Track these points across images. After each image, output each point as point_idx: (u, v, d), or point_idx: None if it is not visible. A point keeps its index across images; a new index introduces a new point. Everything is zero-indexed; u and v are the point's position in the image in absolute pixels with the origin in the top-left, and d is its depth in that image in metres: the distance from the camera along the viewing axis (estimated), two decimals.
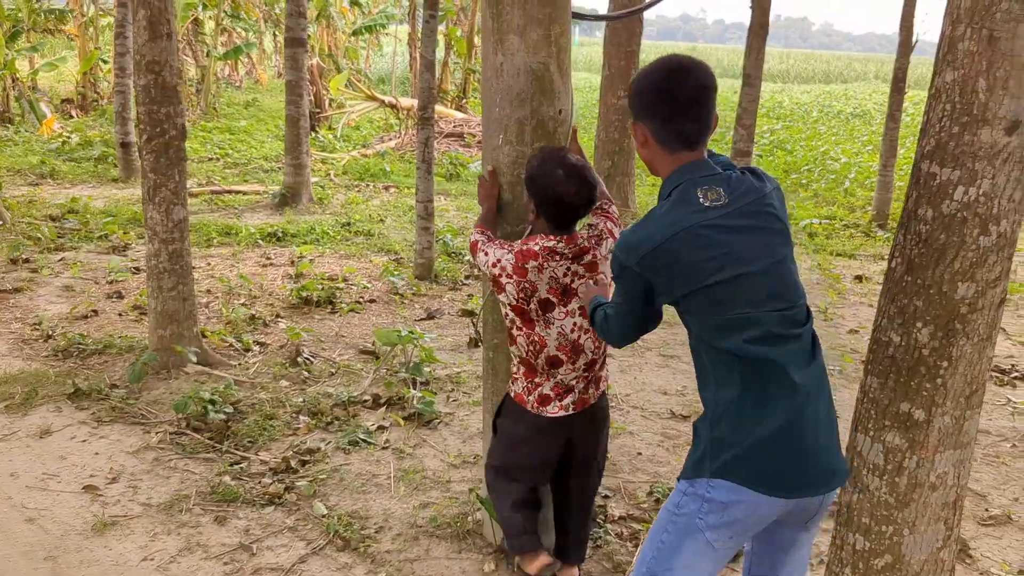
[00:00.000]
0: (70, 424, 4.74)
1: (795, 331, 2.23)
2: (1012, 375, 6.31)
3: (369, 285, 7.59)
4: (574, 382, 3.12)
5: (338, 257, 8.57)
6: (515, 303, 3.03)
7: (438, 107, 16.58)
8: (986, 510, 4.29)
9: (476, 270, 8.29)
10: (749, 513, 2.20)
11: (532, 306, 3.02)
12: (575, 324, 3.06)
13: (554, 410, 3.12)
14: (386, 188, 12.58)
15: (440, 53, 21.49)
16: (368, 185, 12.69)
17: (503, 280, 3.03)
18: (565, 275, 3.01)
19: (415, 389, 5.28)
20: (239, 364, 5.67)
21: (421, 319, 6.90)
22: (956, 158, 2.33)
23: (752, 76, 8.01)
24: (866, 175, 14.62)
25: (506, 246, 3.09)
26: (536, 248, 3.00)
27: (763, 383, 2.18)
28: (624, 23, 10.28)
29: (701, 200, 2.19)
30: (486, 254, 3.11)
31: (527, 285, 3.00)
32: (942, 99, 2.37)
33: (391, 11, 23.67)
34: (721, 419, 2.22)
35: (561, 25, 3.46)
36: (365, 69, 25.94)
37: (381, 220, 10.33)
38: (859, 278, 8.78)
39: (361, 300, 7.19)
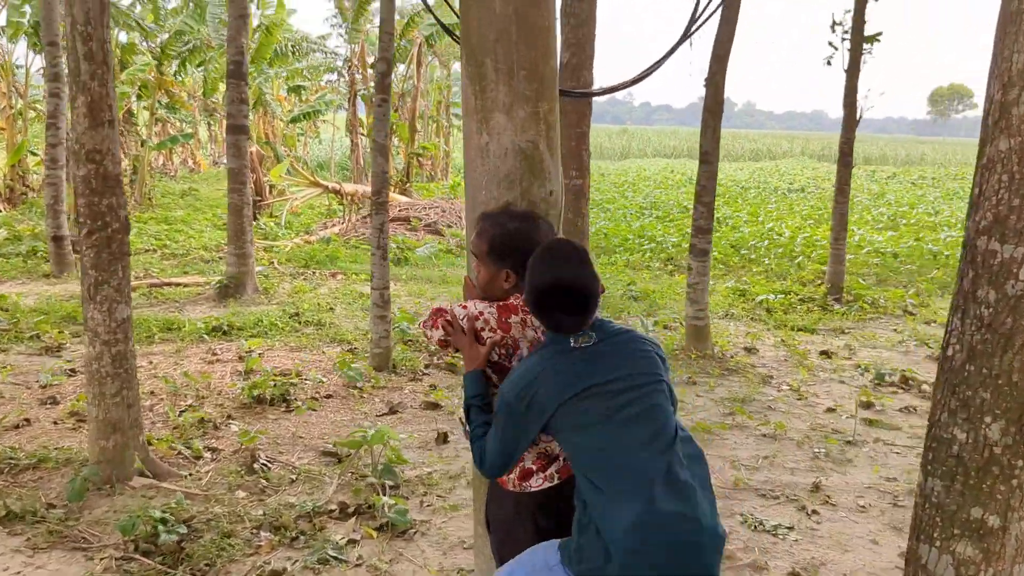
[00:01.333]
0: (1, 553, 4.21)
1: None
2: None
3: (324, 379, 7.18)
4: (558, 449, 2.77)
5: (288, 350, 8.14)
6: (496, 360, 2.78)
7: None
8: None
9: (436, 358, 7.94)
10: None
11: (513, 365, 2.75)
12: None
13: (538, 483, 2.76)
14: (333, 275, 12.21)
15: None
16: (314, 272, 12.31)
17: (485, 334, 2.77)
18: (535, 329, 2.80)
19: (385, 495, 4.87)
20: (190, 474, 5.20)
21: (383, 414, 6.50)
22: (1019, 233, 2.11)
23: (709, 154, 7.92)
24: (812, 248, 14.71)
25: (485, 301, 2.84)
26: (518, 303, 2.78)
27: None
28: (573, 105, 10.21)
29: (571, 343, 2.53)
30: (465, 307, 2.82)
31: (509, 341, 2.77)
32: (997, 169, 2.16)
33: (329, 98, 23.66)
34: None
35: (549, 102, 3.24)
36: (303, 156, 25.72)
37: (331, 309, 9.94)
38: (825, 353, 8.64)
39: (317, 396, 6.77)
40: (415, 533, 4.55)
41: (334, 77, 25.69)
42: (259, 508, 4.74)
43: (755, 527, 4.84)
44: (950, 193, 26.89)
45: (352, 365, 7.20)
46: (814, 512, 5.08)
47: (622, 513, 2.27)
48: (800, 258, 14.00)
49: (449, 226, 15.56)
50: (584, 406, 2.44)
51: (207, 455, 5.52)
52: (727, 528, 4.84)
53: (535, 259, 2.58)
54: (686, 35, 4.46)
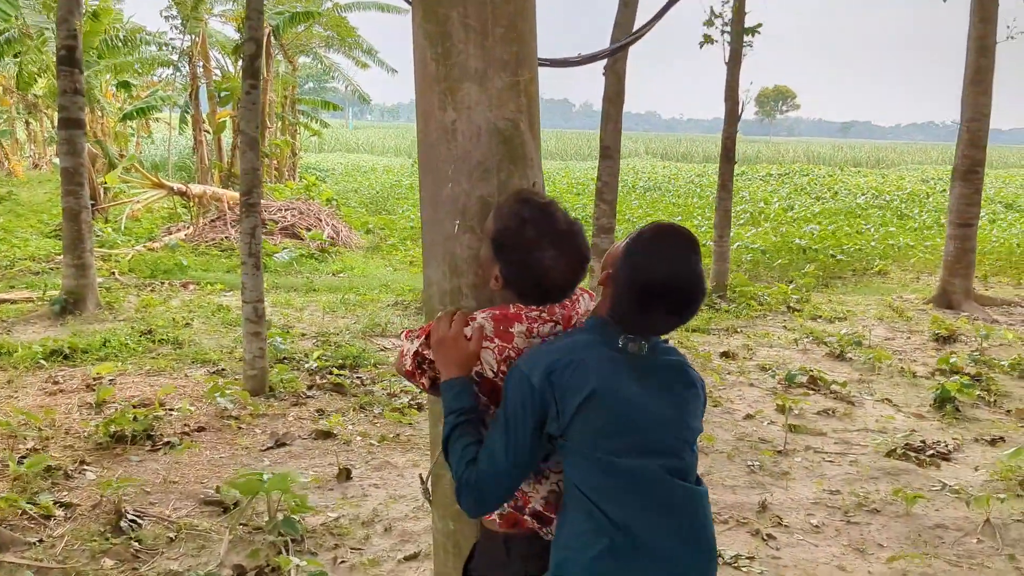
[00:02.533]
0: None
1: None
2: (928, 453, 5.90)
3: (193, 408, 6.20)
4: None
5: (145, 375, 7.07)
6: (493, 375, 2.16)
7: (230, 193, 15.18)
8: None
9: (319, 377, 7.07)
10: None
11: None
12: None
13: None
14: (184, 285, 11.03)
15: (227, 136, 20.03)
16: (163, 283, 11.08)
17: (482, 345, 2.16)
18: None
19: (290, 553, 4.05)
20: (40, 540, 4.19)
21: (268, 448, 5.63)
22: None
23: (611, 148, 7.41)
24: None
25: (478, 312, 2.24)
26: (518, 312, 2.20)
27: None
28: None
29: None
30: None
31: (512, 353, 2.15)
32: None
33: (163, 94, 21.95)
34: None
35: (530, 70, 2.57)
36: (137, 155, 23.83)
37: (187, 324, 8.85)
38: (726, 355, 8.32)
39: (187, 430, 5.81)
40: None
41: (169, 71, 23.94)
42: None
43: None
44: (798, 188, 27.81)
45: (225, 391, 6.26)
46: (769, 536, 4.65)
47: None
48: None
49: (308, 229, 14.54)
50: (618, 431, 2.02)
51: (59, 513, 4.52)
52: None
53: (643, 244, 2.10)
54: (663, 11, 3.89)
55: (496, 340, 2.15)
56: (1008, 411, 6.88)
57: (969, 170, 10.90)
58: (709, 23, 10.75)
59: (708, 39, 10.77)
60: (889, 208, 21.39)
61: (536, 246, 2.14)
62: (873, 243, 15.50)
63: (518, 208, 2.20)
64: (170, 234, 14.37)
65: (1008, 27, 11.34)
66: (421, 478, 2.67)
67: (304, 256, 13.24)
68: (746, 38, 10.32)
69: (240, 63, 19.90)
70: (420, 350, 2.23)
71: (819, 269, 13.08)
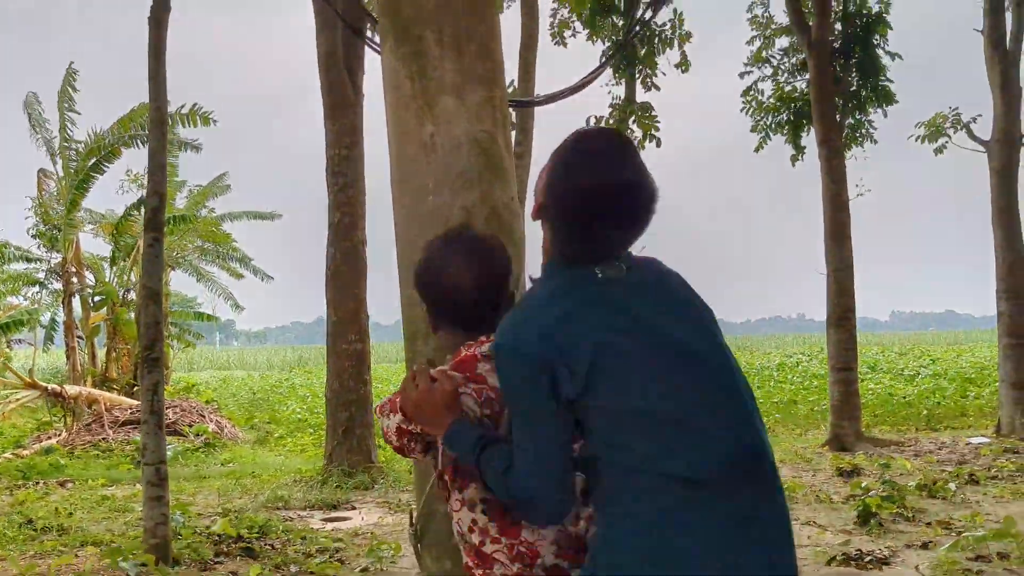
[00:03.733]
0: None
1: None
2: (867, 559, 5.87)
3: None
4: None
5: (30, 558, 6.37)
6: (477, 420, 1.98)
7: (107, 394, 14.47)
8: None
9: (226, 546, 6.52)
10: None
11: (504, 418, 1.97)
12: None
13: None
14: (62, 483, 10.20)
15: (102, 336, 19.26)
16: (37, 483, 10.22)
17: (458, 390, 1.99)
18: None
19: None
20: None
21: None
22: None
23: None
24: None
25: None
26: (472, 353, 2.06)
27: None
28: (350, 265, 9.63)
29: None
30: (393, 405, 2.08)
31: (489, 393, 1.99)
32: None
33: (29, 308, 21.01)
34: None
35: (502, 89, 2.65)
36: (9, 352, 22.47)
37: (70, 514, 8.12)
38: None
39: None
40: None
41: (34, 289, 23.12)
42: None
43: None
44: None
45: (128, 556, 5.68)
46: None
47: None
48: None
49: (190, 425, 13.89)
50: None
51: None
52: None
53: (565, 154, 1.88)
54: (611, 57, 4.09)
55: (470, 384, 1.99)
56: (928, 523, 6.96)
57: (842, 316, 11.55)
58: None
59: None
60: (763, 376, 22.26)
61: (441, 269, 2.12)
62: (759, 400, 15.95)
63: (425, 249, 2.21)
64: (40, 441, 13.42)
65: (856, 186, 12.43)
66: (411, 518, 2.47)
67: (190, 451, 12.56)
68: None
69: (112, 270, 19.54)
70: (400, 425, 2.06)
71: None
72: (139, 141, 17.25)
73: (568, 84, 6.97)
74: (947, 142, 13.06)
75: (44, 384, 14.08)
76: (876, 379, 20.45)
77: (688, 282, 1.99)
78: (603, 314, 1.82)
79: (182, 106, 17.05)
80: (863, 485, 8.07)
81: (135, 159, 25.81)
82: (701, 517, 1.74)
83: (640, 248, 1.93)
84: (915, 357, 27.66)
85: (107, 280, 18.82)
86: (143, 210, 7.17)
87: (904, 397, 16.06)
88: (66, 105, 17.96)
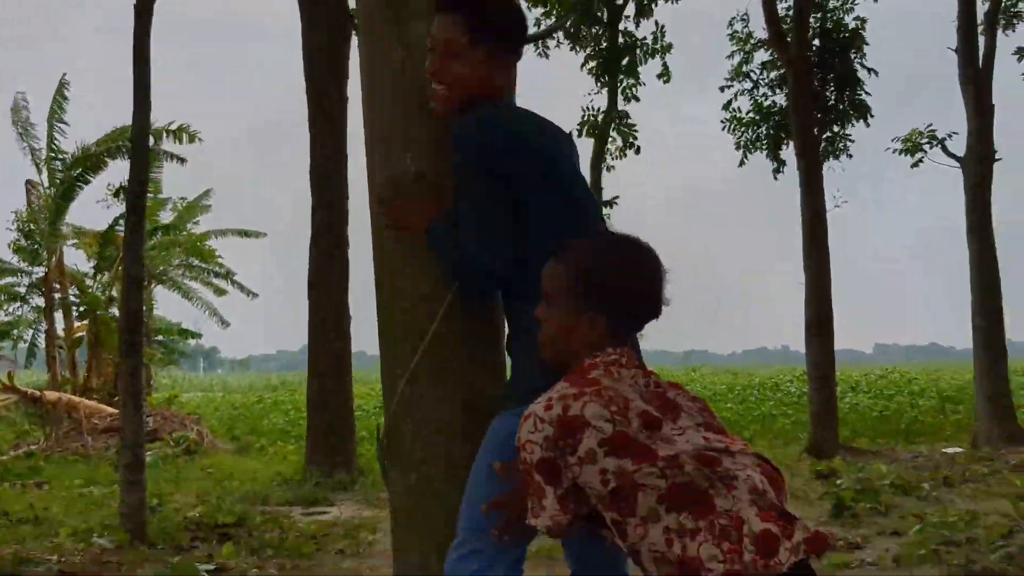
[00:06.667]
0: None
1: None
2: (838, 544, 5.93)
3: (65, 560, 5.59)
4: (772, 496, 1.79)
5: (5, 544, 6.34)
6: (612, 429, 1.76)
7: (87, 401, 14.42)
8: None
9: (203, 533, 6.53)
10: None
11: (635, 424, 1.78)
12: (709, 437, 1.84)
13: (784, 556, 1.67)
14: (38, 485, 10.16)
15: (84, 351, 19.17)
16: (15, 484, 10.18)
17: (573, 409, 1.79)
18: (647, 385, 1.90)
19: None
20: None
21: None
22: None
23: None
24: None
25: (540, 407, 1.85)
26: (594, 361, 1.91)
27: None
28: (331, 268, 9.69)
29: None
30: (527, 417, 1.84)
31: (609, 392, 1.81)
32: None
33: (8, 320, 20.85)
34: None
35: None
36: None
37: (45, 509, 8.09)
38: None
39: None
40: None
41: (16, 305, 22.98)
42: None
43: None
44: None
45: (102, 531, 5.70)
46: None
47: None
48: None
49: (171, 432, 13.85)
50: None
51: None
52: None
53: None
54: None
55: (585, 389, 1.81)
56: (901, 516, 7.04)
57: (821, 324, 11.67)
58: None
59: None
60: (745, 394, 22.43)
61: (631, 263, 2.00)
62: (739, 415, 16.10)
63: (594, 243, 2.09)
64: (18, 448, 13.34)
65: (834, 196, 12.61)
66: (377, 433, 2.53)
67: (170, 457, 12.51)
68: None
69: (96, 280, 19.48)
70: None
71: None
72: (125, 152, 17.31)
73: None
74: (923, 156, 13.27)
75: (23, 389, 14.03)
76: (856, 398, 20.61)
77: None
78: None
79: (170, 123, 17.22)
80: (839, 483, 8.15)
81: (121, 173, 25.80)
82: None
83: None
84: (895, 380, 27.92)
85: (90, 292, 18.78)
86: (126, 193, 7.21)
87: (882, 412, 16.20)
88: (56, 115, 18.02)
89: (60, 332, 18.40)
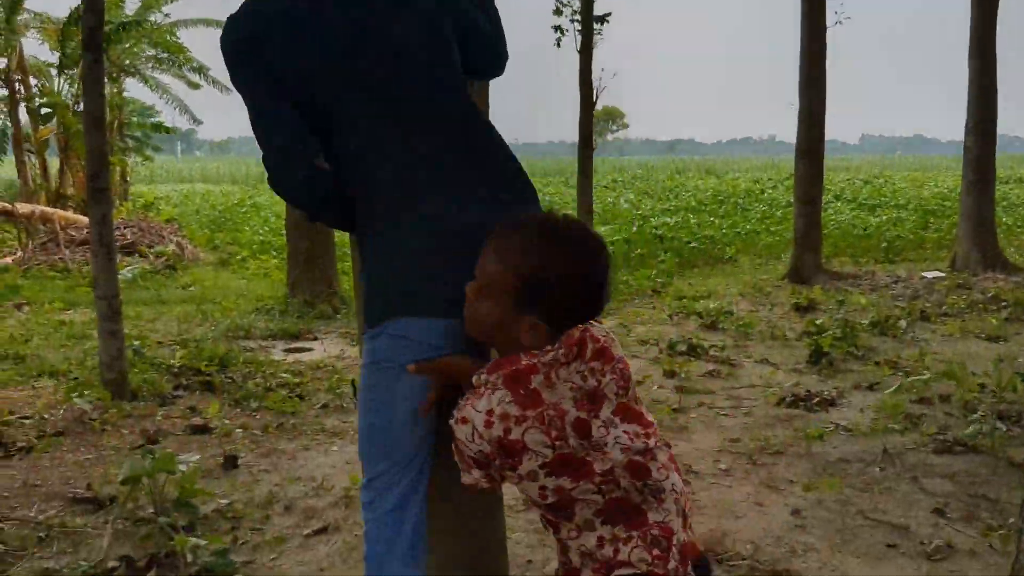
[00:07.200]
0: None
1: None
2: (815, 400, 6.01)
3: (47, 416, 5.60)
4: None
5: None
6: (552, 454, 1.78)
7: (61, 212, 14.16)
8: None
9: (185, 379, 6.54)
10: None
11: (572, 440, 1.79)
12: (628, 432, 1.86)
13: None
14: (18, 306, 10.12)
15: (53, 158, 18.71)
16: None
17: (514, 434, 1.77)
18: (584, 377, 1.81)
19: (186, 534, 3.63)
20: None
21: (139, 446, 5.11)
22: None
23: None
24: None
25: (483, 389, 1.82)
26: (531, 362, 1.80)
27: None
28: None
29: None
30: (464, 421, 1.80)
31: (550, 412, 1.77)
32: None
33: None
34: None
35: None
36: None
37: (26, 341, 8.08)
38: None
39: (44, 435, 5.22)
40: None
41: None
42: None
43: None
44: (641, 192, 28.75)
45: (83, 392, 5.69)
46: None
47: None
48: None
49: (150, 246, 13.73)
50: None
51: None
52: None
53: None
54: None
55: (528, 411, 1.76)
56: (876, 362, 7.13)
57: (810, 149, 11.43)
58: (558, 12, 10.88)
59: (559, 30, 10.88)
60: (729, 204, 22.35)
61: (581, 271, 1.83)
62: (723, 231, 16.09)
63: (531, 229, 1.86)
64: None
65: (836, 12, 11.99)
66: (352, 383, 2.43)
67: (149, 272, 12.46)
68: (596, 26, 10.47)
69: (60, 78, 18.65)
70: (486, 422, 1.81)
71: (675, 256, 13.42)
72: None
73: None
74: None
75: None
76: (839, 209, 20.61)
77: None
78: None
79: None
80: (817, 323, 8.22)
81: None
82: None
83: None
84: (878, 187, 27.87)
85: (55, 91, 18.03)
86: (80, 28, 6.70)
87: (865, 229, 16.21)
88: None
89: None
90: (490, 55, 2.23)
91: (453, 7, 2.09)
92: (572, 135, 10.90)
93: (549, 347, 1.81)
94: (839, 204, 22.21)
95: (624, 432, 1.83)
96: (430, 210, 1.95)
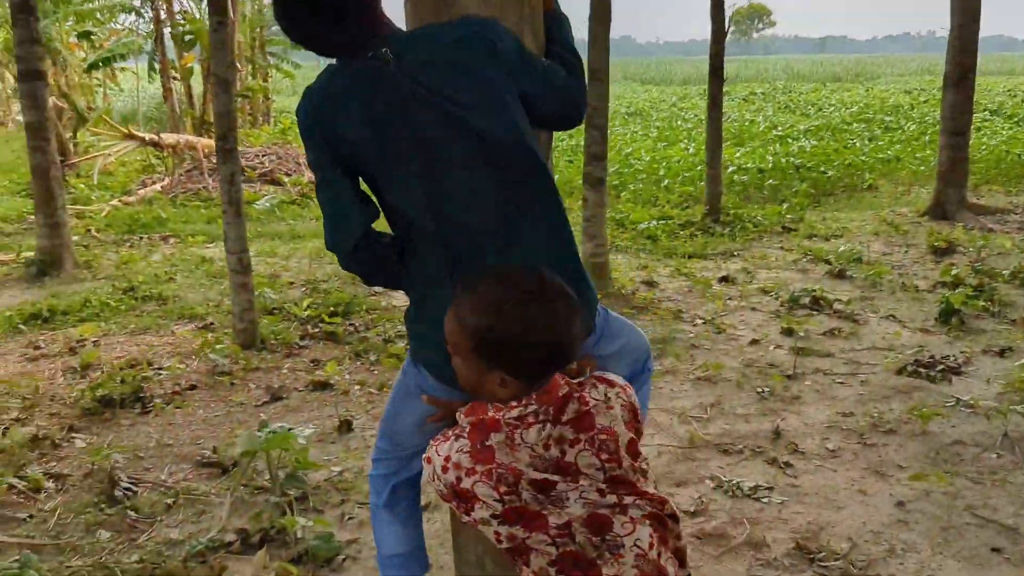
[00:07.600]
0: None
1: None
2: (939, 368, 5.75)
3: (183, 367, 6.00)
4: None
5: (129, 334, 6.83)
6: (502, 507, 1.85)
7: (205, 140, 14.76)
8: None
9: (311, 326, 6.86)
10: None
11: (526, 495, 1.85)
12: (598, 500, 1.89)
13: None
14: (164, 239, 10.74)
15: (197, 85, 19.45)
16: (141, 238, 10.78)
17: (464, 483, 1.84)
18: (547, 446, 1.86)
19: (296, 513, 3.88)
20: (31, 516, 4.01)
21: (264, 403, 5.43)
22: None
23: (599, 71, 7.10)
24: (677, 170, 14.25)
25: (453, 432, 1.93)
26: (496, 416, 1.87)
27: None
28: None
29: None
30: (428, 460, 1.92)
31: (500, 470, 1.84)
32: None
33: (128, 40, 21.21)
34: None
35: None
36: (107, 107, 23.16)
37: (171, 279, 8.60)
38: (725, 280, 8.15)
39: (178, 389, 5.61)
40: (344, 560, 3.62)
41: (131, 18, 23.13)
42: (133, 553, 3.67)
43: (732, 492, 4.20)
44: (782, 106, 27.45)
45: (215, 346, 6.06)
46: (787, 464, 4.50)
47: None
48: (666, 181, 13.55)
49: (288, 174, 14.20)
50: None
51: (50, 485, 4.32)
52: (700, 495, 4.19)
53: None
54: None
55: (478, 466, 1.84)
56: (1013, 320, 6.74)
57: (961, 77, 10.62)
58: None
59: None
60: (875, 122, 21.09)
61: (533, 322, 1.84)
62: (863, 157, 15.26)
63: (490, 297, 1.87)
64: (145, 187, 14.00)
65: None
66: None
67: (285, 203, 12.92)
68: None
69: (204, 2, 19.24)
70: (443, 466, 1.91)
71: (811, 187, 12.88)
72: None
73: None
74: None
75: (142, 135, 14.44)
76: (994, 128, 19.11)
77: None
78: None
79: None
80: (952, 273, 7.81)
81: None
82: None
83: None
84: None
85: (197, 17, 18.60)
86: None
87: (1020, 154, 15.03)
88: None
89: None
90: (556, 117, 2.21)
91: (515, 81, 2.06)
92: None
93: (516, 402, 1.86)
94: (995, 122, 20.59)
95: (598, 491, 1.90)
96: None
